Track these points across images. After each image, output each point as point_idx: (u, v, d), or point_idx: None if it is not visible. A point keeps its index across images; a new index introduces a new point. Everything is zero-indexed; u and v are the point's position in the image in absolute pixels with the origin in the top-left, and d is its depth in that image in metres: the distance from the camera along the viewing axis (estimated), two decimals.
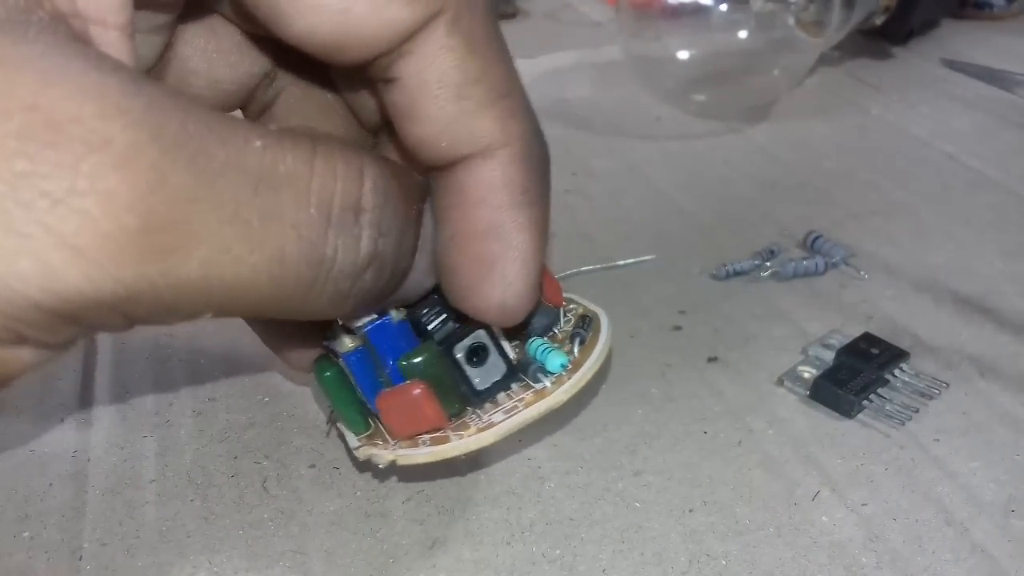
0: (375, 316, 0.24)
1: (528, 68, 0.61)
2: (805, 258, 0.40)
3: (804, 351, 0.35)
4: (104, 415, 0.33)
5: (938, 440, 0.31)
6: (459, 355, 0.25)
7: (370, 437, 0.27)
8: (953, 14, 0.67)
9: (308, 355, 0.28)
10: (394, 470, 0.29)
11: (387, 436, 0.26)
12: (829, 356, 0.34)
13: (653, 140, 0.52)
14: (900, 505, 0.29)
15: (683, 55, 0.55)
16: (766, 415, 0.32)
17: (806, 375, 0.33)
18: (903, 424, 0.31)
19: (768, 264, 0.40)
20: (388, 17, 0.20)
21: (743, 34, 0.54)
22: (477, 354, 0.25)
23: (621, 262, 0.40)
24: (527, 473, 0.30)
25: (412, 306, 0.25)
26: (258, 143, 0.18)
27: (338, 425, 0.28)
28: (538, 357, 0.26)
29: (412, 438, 0.25)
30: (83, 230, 0.16)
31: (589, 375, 0.26)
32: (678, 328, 0.37)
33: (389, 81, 0.22)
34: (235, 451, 0.32)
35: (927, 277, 0.39)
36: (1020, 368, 0.34)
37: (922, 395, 0.32)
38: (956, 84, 0.57)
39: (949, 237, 0.42)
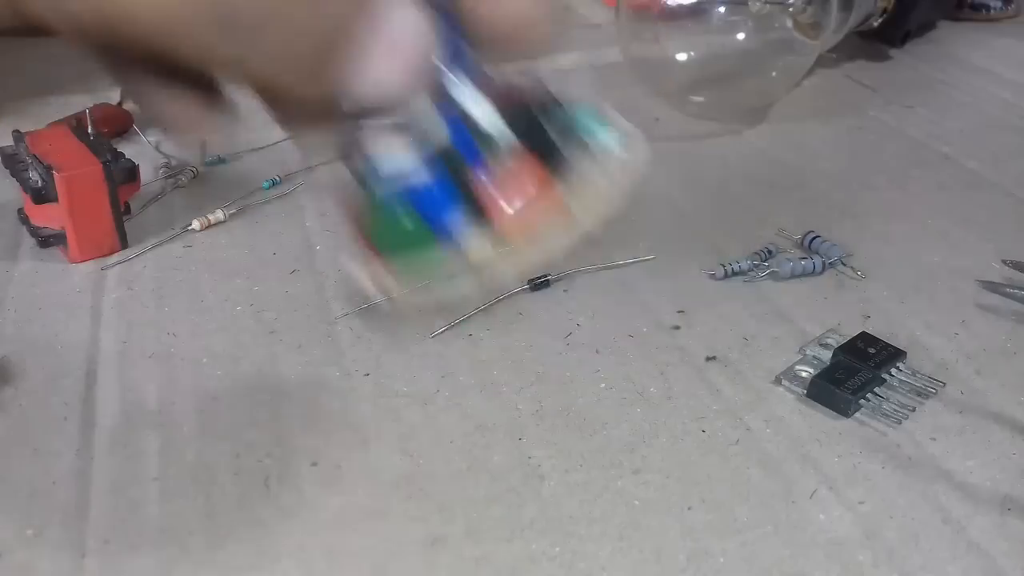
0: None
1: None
2: (803, 258, 0.40)
3: (802, 350, 0.35)
4: (107, 413, 0.33)
5: (935, 439, 0.31)
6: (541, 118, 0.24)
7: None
8: (950, 16, 0.67)
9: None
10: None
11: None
12: (826, 355, 0.34)
13: (652, 141, 0.52)
14: (897, 503, 0.29)
15: (682, 57, 0.55)
16: (764, 414, 0.32)
17: (804, 374, 0.34)
18: (900, 423, 0.32)
19: (766, 264, 0.40)
20: None
21: (741, 36, 0.54)
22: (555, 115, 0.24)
23: (621, 262, 0.41)
24: (527, 471, 0.30)
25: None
26: None
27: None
28: (581, 128, 0.25)
29: (525, 228, 0.24)
30: None
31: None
32: (677, 328, 0.37)
33: None
34: (237, 449, 0.32)
35: (924, 277, 0.40)
36: (1016, 367, 0.34)
37: (919, 394, 0.33)
38: (952, 86, 0.58)
39: (945, 237, 0.42)
